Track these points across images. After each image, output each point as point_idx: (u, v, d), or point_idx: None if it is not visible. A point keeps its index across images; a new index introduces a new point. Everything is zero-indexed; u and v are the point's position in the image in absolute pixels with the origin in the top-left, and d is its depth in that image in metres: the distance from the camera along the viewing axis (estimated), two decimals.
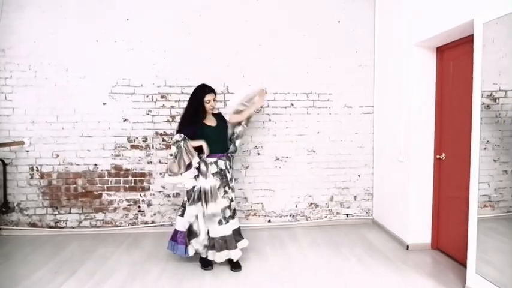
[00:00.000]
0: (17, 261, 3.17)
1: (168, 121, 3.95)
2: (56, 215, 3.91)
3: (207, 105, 3.01)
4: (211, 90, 3.03)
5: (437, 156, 3.30)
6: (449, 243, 3.22)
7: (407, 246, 3.40)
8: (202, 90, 3.01)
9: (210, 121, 3.07)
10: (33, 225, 3.89)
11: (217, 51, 3.95)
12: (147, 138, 3.94)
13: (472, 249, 2.53)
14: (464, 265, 2.72)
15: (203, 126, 2.99)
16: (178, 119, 3.94)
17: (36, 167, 3.86)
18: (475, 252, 2.51)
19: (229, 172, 3.07)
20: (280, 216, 4.12)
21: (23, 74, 3.80)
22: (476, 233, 2.49)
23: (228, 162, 3.08)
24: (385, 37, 3.90)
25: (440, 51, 3.27)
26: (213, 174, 2.94)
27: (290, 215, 4.14)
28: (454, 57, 3.10)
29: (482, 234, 2.48)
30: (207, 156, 2.96)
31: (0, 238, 3.74)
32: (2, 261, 3.16)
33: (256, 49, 3.99)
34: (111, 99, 3.89)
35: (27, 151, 3.85)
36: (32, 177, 3.87)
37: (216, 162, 2.98)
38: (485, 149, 2.47)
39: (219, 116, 3.17)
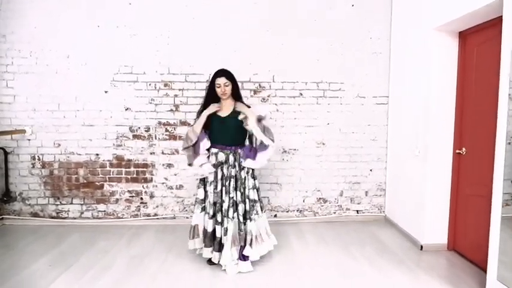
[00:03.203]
0: (17, 251, 3.12)
1: (171, 110, 3.81)
2: (57, 205, 3.84)
3: (218, 90, 2.77)
4: (222, 74, 2.77)
5: (457, 151, 3.06)
6: (467, 245, 2.99)
7: (421, 247, 3.18)
8: (214, 74, 2.81)
9: (223, 109, 2.82)
10: (35, 215, 3.83)
11: (223, 37, 3.76)
12: (149, 128, 3.81)
13: (494, 252, 2.32)
14: (483, 269, 2.52)
15: (212, 113, 2.79)
16: (181, 108, 3.82)
17: (38, 156, 3.79)
18: (496, 256, 2.30)
19: (231, 168, 2.75)
20: (287, 211, 3.95)
21: (24, 60, 3.70)
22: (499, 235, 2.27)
23: (232, 158, 2.77)
24: (402, 21, 3.63)
25: (463, 36, 2.99)
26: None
27: (297, 210, 3.97)
28: (479, 42, 2.83)
29: (503, 235, 2.26)
30: (210, 146, 2.81)
31: (3, 228, 3.71)
32: (3, 252, 3.10)
33: (264, 35, 3.78)
34: (113, 87, 3.76)
35: (29, 140, 3.77)
36: (33, 167, 3.80)
37: (216, 154, 2.80)
38: (509, 143, 2.25)
39: (241, 107, 2.82)
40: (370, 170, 3.98)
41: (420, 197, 3.24)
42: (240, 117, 2.77)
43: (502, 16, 2.25)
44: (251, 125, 2.70)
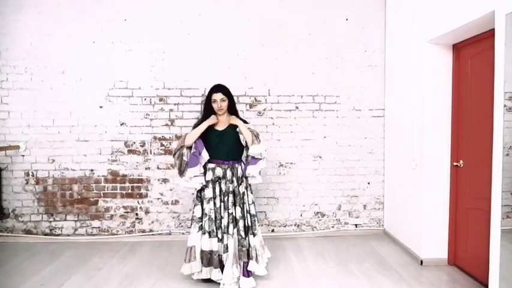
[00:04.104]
0: (9, 270, 3.05)
1: (166, 125, 3.78)
2: (51, 221, 3.78)
3: (214, 105, 2.75)
4: (218, 89, 2.75)
5: (454, 163, 3.03)
6: (468, 259, 2.93)
7: (421, 262, 3.12)
8: (210, 89, 2.79)
9: (219, 124, 2.80)
10: (28, 232, 3.77)
11: (218, 52, 3.77)
12: (144, 143, 3.78)
13: (495, 267, 2.25)
14: (485, 284, 2.45)
15: (208, 128, 2.76)
16: (177, 122, 3.80)
17: (32, 172, 3.75)
18: (498, 271, 2.24)
19: (228, 183, 2.72)
20: (284, 226, 3.89)
21: (19, 76, 3.70)
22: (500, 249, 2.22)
23: (230, 173, 2.73)
24: (396, 34, 3.65)
25: (457, 48, 3.00)
26: (207, 181, 2.73)
27: (295, 225, 3.90)
28: (473, 54, 2.83)
29: (504, 249, 2.20)
30: (208, 162, 2.75)
31: None
32: None
33: (259, 49, 3.79)
34: (108, 102, 3.75)
35: (23, 156, 3.74)
36: (27, 183, 3.75)
37: (213, 169, 2.75)
38: (507, 155, 2.22)
39: (235, 120, 2.80)
40: (368, 183, 3.94)
41: (418, 211, 3.19)
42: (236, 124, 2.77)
43: (494, 29, 2.25)
44: (241, 127, 2.72)
